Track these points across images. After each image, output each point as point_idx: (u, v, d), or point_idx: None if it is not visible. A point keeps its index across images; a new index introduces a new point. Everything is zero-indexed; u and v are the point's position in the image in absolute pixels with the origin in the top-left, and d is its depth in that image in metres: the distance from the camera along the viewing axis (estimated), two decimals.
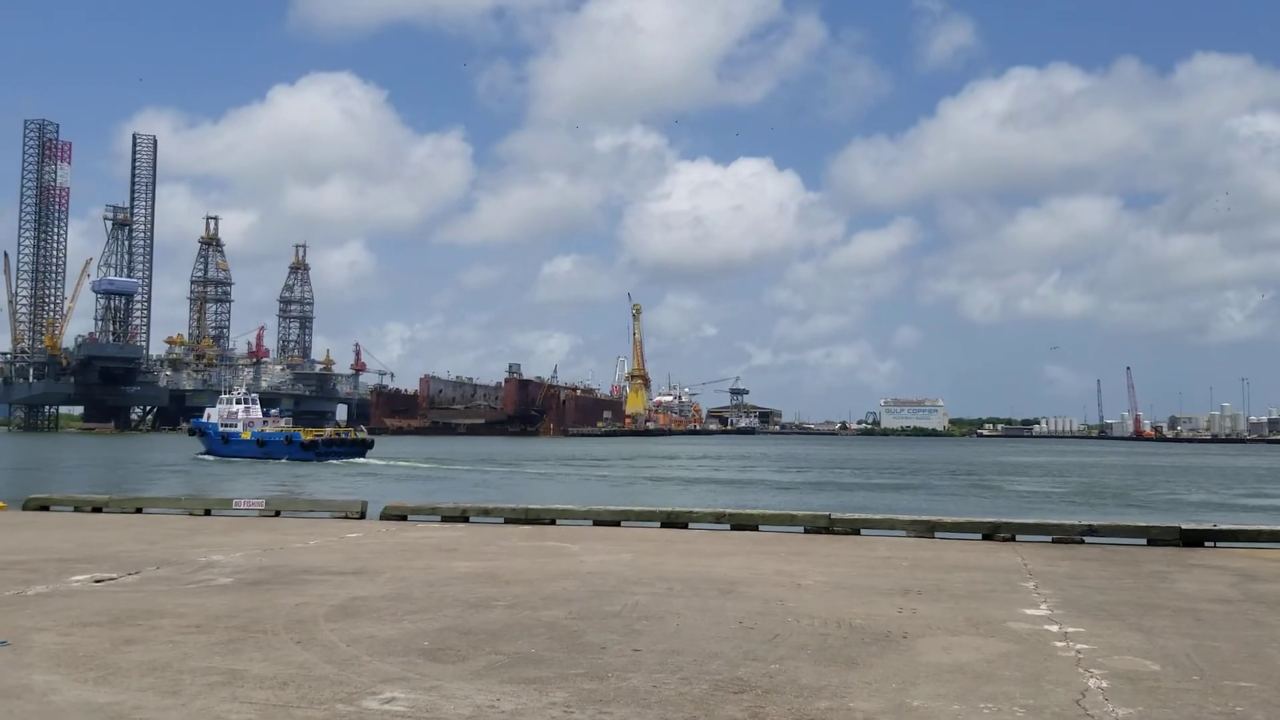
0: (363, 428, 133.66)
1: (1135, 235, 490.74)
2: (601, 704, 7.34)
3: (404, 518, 22.05)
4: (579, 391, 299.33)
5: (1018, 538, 18.56)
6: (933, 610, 11.26)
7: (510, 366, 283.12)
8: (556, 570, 14.15)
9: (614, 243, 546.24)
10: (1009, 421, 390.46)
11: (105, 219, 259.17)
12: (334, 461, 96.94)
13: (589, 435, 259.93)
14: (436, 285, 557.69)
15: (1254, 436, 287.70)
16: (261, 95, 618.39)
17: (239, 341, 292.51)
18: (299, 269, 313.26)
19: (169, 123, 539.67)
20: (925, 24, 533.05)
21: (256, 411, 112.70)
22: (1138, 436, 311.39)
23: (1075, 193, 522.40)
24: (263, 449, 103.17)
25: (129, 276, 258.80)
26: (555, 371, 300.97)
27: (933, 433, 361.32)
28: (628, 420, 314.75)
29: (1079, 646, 9.46)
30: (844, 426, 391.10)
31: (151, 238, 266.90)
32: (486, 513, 22.10)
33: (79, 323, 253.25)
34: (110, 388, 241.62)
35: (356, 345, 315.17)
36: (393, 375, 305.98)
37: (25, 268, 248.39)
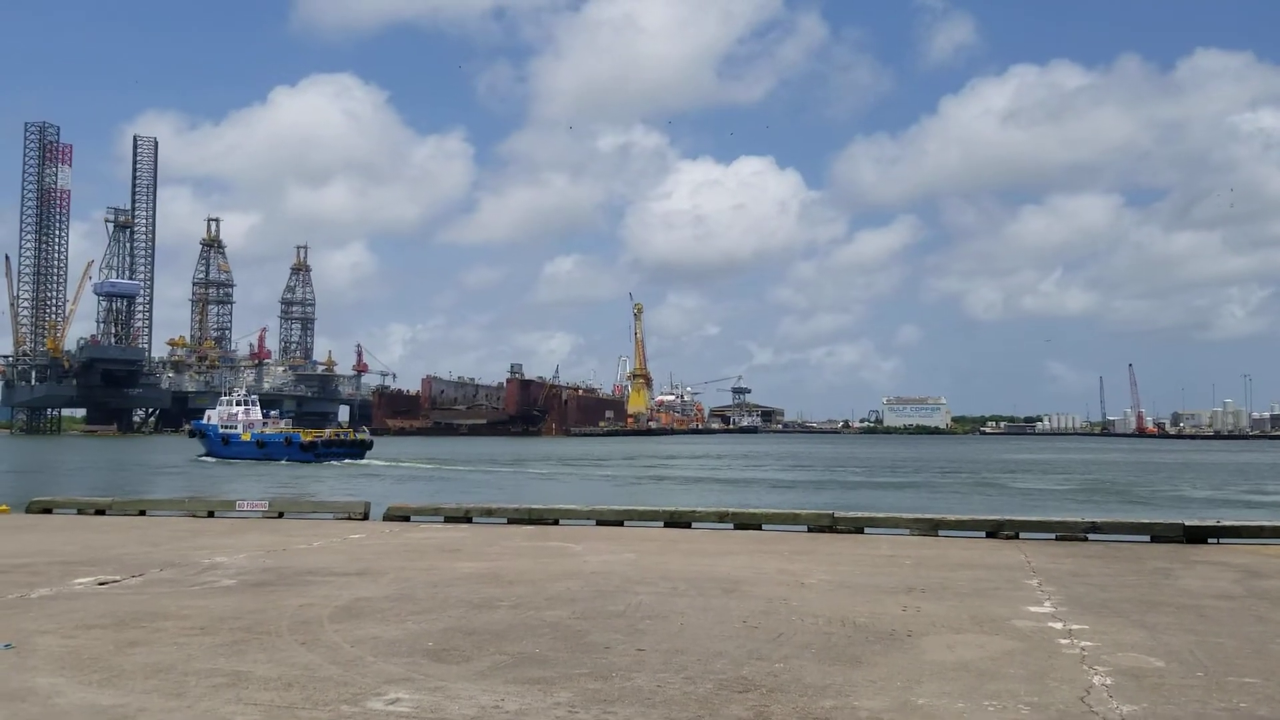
0: (365, 428, 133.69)
1: (1137, 232, 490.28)
2: (606, 704, 7.33)
3: (407, 518, 22.06)
4: (581, 391, 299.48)
5: (1021, 535, 18.56)
6: (937, 608, 11.26)
7: (512, 367, 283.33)
8: (560, 570, 14.15)
9: (615, 242, 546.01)
10: (1012, 419, 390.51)
11: (107, 221, 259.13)
12: (333, 462, 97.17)
13: (591, 435, 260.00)
14: (438, 286, 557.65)
15: (1256, 433, 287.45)
16: (263, 97, 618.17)
17: (241, 343, 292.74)
18: (301, 270, 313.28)
19: (170, 124, 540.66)
20: (926, 22, 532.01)
21: (256, 413, 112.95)
22: (1140, 433, 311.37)
23: (1077, 190, 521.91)
24: (262, 450, 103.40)
25: (131, 279, 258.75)
26: (557, 371, 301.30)
27: (935, 431, 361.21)
28: (630, 420, 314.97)
29: (1083, 644, 9.46)
30: (846, 425, 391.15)
31: (153, 240, 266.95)
32: (489, 513, 22.10)
33: (81, 325, 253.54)
34: (112, 390, 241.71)
35: (358, 346, 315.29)
36: (395, 376, 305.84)
37: (27, 270, 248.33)
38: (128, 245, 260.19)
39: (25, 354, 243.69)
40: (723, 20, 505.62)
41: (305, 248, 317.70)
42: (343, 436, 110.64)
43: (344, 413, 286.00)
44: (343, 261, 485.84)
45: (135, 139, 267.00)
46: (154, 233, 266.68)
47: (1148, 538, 18.07)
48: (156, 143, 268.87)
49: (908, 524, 19.54)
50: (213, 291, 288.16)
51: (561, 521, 21.21)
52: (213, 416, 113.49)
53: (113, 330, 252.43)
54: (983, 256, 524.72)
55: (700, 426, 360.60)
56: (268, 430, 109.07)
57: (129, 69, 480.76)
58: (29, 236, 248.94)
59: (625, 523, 20.92)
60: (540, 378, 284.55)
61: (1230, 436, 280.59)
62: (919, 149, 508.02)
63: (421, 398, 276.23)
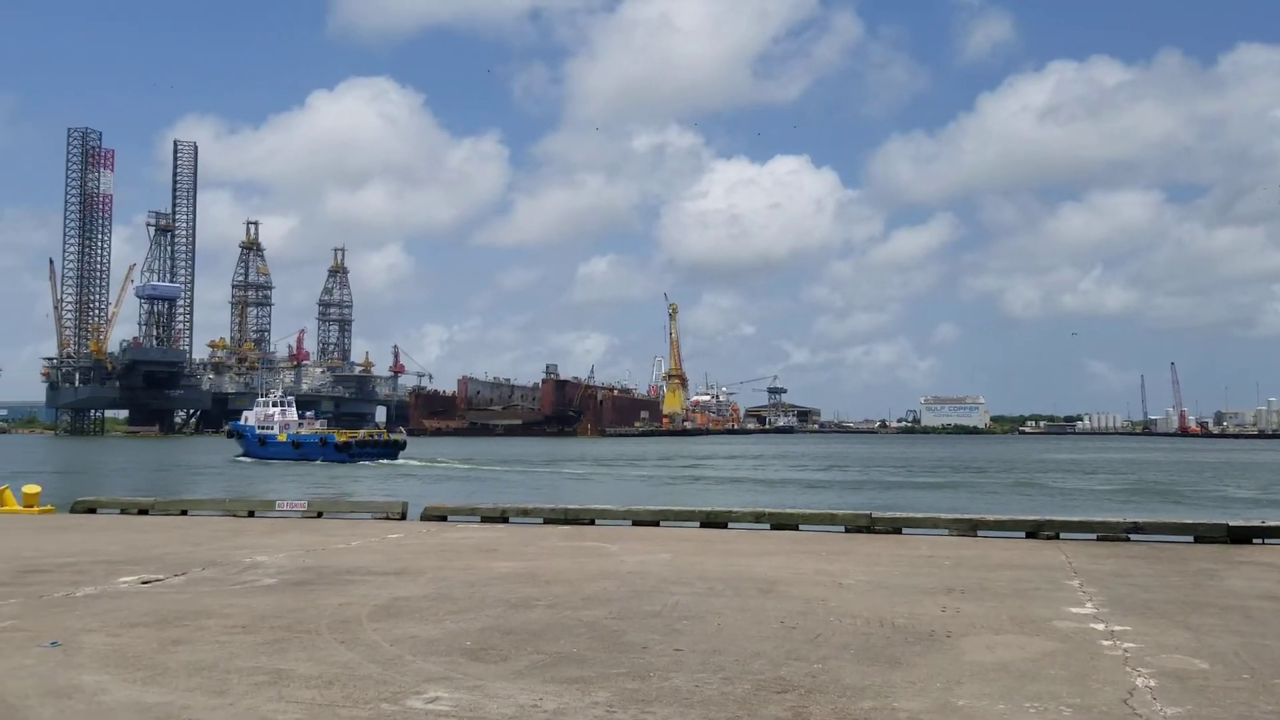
0: (401, 429, 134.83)
1: (1178, 228, 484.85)
2: (644, 704, 7.33)
3: (444, 518, 22.17)
4: (616, 392, 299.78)
5: (1062, 536, 18.36)
6: (976, 609, 11.17)
7: (547, 367, 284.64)
8: (596, 570, 14.17)
9: (650, 242, 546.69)
10: (1051, 418, 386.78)
11: (148, 225, 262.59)
12: (367, 462, 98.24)
13: (626, 435, 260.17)
14: (474, 287, 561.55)
15: None
16: (301, 101, 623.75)
17: (280, 344, 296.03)
18: (338, 272, 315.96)
19: (210, 129, 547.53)
20: (963, 19, 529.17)
21: (293, 414, 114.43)
22: (1183, 433, 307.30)
23: (1117, 186, 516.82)
24: (298, 450, 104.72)
25: (171, 281, 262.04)
26: (592, 372, 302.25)
27: (974, 430, 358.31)
28: (665, 420, 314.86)
29: (1126, 645, 9.34)
30: (883, 425, 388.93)
31: (193, 243, 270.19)
32: (526, 513, 22.16)
33: (123, 328, 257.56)
34: (154, 391, 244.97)
35: (395, 347, 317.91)
36: (431, 377, 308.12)
37: (70, 274, 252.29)
38: (169, 248, 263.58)
39: (69, 356, 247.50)
40: (758, 19, 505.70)
41: (343, 250, 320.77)
42: (376, 437, 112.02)
43: (381, 413, 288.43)
44: (379, 263, 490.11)
45: (175, 144, 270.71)
46: (194, 236, 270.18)
47: (1191, 538, 17.81)
48: (196, 147, 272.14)
49: (946, 524, 19.39)
50: (252, 294, 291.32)
51: (597, 521, 21.23)
52: (250, 417, 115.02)
53: (154, 332, 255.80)
54: (1021, 254, 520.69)
55: (736, 427, 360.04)
56: (303, 431, 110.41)
57: (169, 74, 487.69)
58: (72, 241, 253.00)
59: (661, 523, 20.90)
60: (575, 378, 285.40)
61: (1275, 435, 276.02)
62: (956, 146, 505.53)
63: (457, 398, 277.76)
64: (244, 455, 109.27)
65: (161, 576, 13.52)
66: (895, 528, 19.38)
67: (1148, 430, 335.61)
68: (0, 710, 7.13)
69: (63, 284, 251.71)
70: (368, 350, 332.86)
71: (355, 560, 15.25)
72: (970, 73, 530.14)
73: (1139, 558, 15.63)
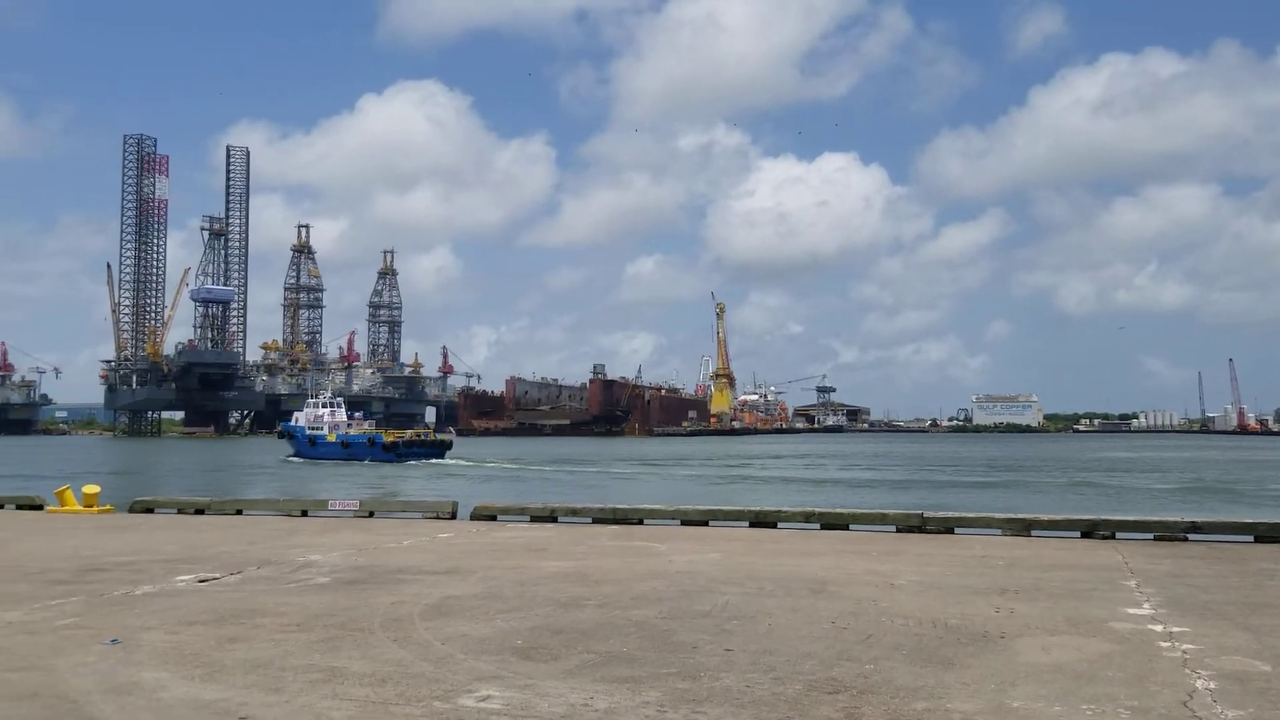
0: (450, 430, 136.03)
1: (1236, 222, 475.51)
2: (695, 703, 7.32)
3: (493, 518, 22.29)
4: (663, 391, 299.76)
5: (1118, 535, 18.08)
6: (1031, 610, 11.02)
7: (595, 367, 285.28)
8: (645, 570, 14.17)
9: (697, 242, 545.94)
10: (1106, 416, 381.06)
11: (202, 229, 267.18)
12: (413, 462, 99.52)
13: (674, 435, 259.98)
14: (522, 288, 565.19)
15: None
16: (351, 105, 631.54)
17: (331, 346, 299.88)
18: (387, 274, 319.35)
19: (263, 134, 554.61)
20: (1014, 12, 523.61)
21: (342, 415, 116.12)
22: (1242, 430, 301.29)
23: (1172, 180, 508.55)
24: (347, 450, 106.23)
25: (225, 285, 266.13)
26: (639, 372, 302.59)
27: (1027, 429, 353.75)
28: (713, 420, 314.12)
29: (1185, 646, 9.17)
30: (934, 424, 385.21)
31: (246, 246, 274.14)
32: (574, 513, 22.21)
33: (179, 330, 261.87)
34: (209, 393, 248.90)
35: (444, 348, 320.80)
36: (479, 377, 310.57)
37: (127, 278, 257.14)
38: (222, 252, 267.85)
39: (127, 359, 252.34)
40: (805, 16, 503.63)
41: (392, 252, 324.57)
42: (423, 437, 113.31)
43: (430, 414, 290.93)
44: (428, 265, 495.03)
45: (228, 149, 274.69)
46: (247, 240, 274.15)
47: (1251, 538, 17.45)
48: (248, 152, 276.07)
49: (999, 524, 19.15)
50: (303, 296, 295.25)
51: (646, 521, 21.23)
52: (300, 418, 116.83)
53: (209, 335, 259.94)
54: (1074, 250, 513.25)
55: (784, 426, 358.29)
56: (352, 431, 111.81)
57: (222, 81, 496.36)
58: (129, 245, 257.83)
59: (710, 522, 20.85)
60: (623, 378, 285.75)
61: None
62: (1008, 141, 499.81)
63: (506, 399, 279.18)
64: (294, 455, 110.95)
65: (218, 575, 13.72)
66: (947, 527, 19.19)
67: (1205, 428, 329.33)
68: (64, 706, 7.28)
69: (120, 288, 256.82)
70: (417, 351, 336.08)
71: (406, 559, 15.38)
72: (1021, 66, 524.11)
73: (1198, 558, 15.35)
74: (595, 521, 21.40)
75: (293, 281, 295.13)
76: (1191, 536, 17.58)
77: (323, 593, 12.29)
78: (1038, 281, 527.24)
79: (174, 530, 20.09)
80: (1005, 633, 9.81)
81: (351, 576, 13.60)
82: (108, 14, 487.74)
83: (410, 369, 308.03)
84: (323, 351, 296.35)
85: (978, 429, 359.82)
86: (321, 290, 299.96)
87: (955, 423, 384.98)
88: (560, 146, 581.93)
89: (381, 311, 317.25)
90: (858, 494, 58.33)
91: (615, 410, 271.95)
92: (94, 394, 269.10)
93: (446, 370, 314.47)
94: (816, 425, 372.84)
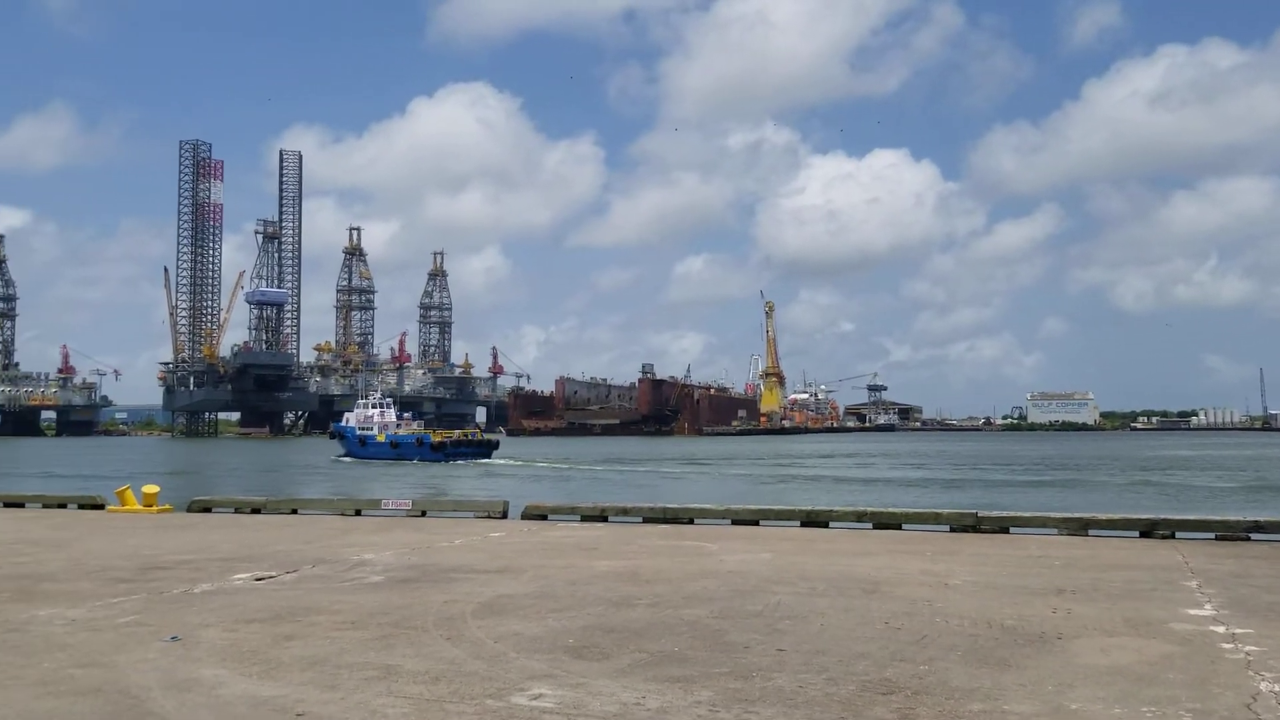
0: (500, 429, 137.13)
1: None
2: (747, 703, 7.29)
3: (544, 517, 22.37)
4: (713, 390, 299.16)
5: (1177, 535, 17.76)
6: (1088, 610, 10.85)
7: (644, 367, 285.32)
8: (697, 569, 14.14)
9: (746, 240, 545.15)
10: (1164, 414, 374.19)
11: (256, 233, 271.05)
12: (460, 462, 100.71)
13: (724, 434, 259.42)
14: (571, 288, 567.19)
15: None
16: (402, 108, 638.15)
17: (383, 347, 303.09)
18: (438, 276, 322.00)
19: (315, 138, 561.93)
20: (1068, 5, 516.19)
21: (391, 415, 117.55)
22: None
23: (1232, 173, 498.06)
24: (396, 450, 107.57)
25: (279, 287, 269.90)
26: (689, 371, 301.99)
27: (1083, 427, 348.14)
28: (763, 419, 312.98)
29: (1248, 648, 8.98)
30: (988, 422, 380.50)
31: (299, 249, 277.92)
32: (625, 512, 22.22)
33: (234, 332, 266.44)
34: (264, 394, 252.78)
35: (494, 349, 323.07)
36: (529, 377, 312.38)
37: (184, 281, 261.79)
38: (276, 255, 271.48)
39: (184, 361, 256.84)
40: (855, 12, 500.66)
41: (442, 254, 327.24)
42: (471, 437, 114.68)
43: (481, 414, 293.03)
44: (478, 266, 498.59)
45: (281, 154, 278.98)
46: (300, 243, 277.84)
47: None
48: (301, 156, 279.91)
49: (1055, 523, 18.88)
50: (355, 298, 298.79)
51: (697, 520, 21.19)
52: (351, 419, 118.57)
53: (263, 337, 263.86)
54: (1131, 245, 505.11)
55: (835, 425, 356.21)
56: (401, 432, 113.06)
57: (275, 86, 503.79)
58: (185, 249, 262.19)
59: (761, 522, 20.76)
60: (672, 377, 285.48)
61: None
62: (1062, 136, 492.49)
63: (555, 398, 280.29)
64: (345, 455, 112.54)
65: (274, 574, 13.89)
66: (1002, 527, 18.95)
67: (1268, 425, 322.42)
68: (126, 702, 7.41)
69: (177, 291, 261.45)
70: (467, 352, 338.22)
71: (459, 558, 15.48)
72: (1076, 60, 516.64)
73: (1261, 558, 15.02)
74: (646, 521, 21.40)
75: (345, 283, 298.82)
76: (1254, 536, 17.22)
77: (377, 591, 12.41)
78: (1093, 278, 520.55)
79: (231, 529, 20.39)
80: (1062, 634, 9.66)
81: (405, 575, 13.72)
82: (165, 22, 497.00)
83: (461, 369, 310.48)
84: (374, 352, 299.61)
85: (1032, 427, 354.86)
86: (373, 292, 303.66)
87: (1009, 421, 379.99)
88: (609, 146, 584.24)
89: (432, 312, 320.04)
90: (910, 493, 57.84)
91: (664, 410, 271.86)
92: (153, 396, 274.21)
93: (496, 370, 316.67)
94: (868, 424, 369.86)
